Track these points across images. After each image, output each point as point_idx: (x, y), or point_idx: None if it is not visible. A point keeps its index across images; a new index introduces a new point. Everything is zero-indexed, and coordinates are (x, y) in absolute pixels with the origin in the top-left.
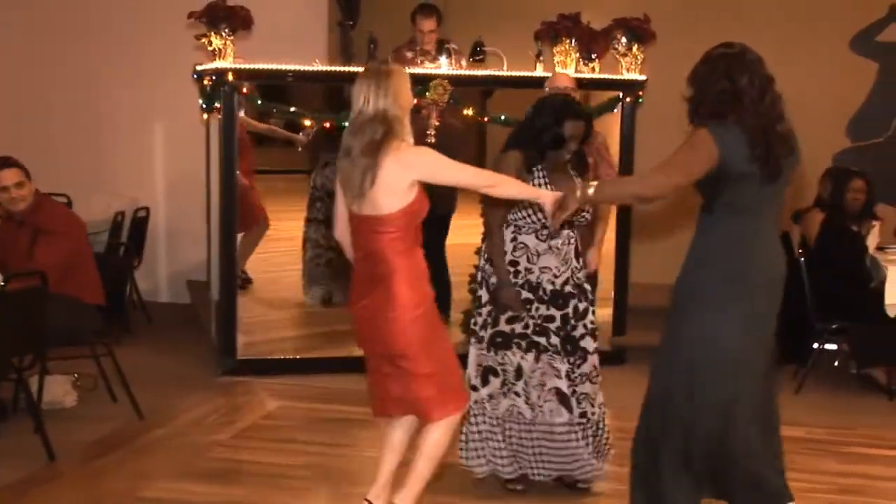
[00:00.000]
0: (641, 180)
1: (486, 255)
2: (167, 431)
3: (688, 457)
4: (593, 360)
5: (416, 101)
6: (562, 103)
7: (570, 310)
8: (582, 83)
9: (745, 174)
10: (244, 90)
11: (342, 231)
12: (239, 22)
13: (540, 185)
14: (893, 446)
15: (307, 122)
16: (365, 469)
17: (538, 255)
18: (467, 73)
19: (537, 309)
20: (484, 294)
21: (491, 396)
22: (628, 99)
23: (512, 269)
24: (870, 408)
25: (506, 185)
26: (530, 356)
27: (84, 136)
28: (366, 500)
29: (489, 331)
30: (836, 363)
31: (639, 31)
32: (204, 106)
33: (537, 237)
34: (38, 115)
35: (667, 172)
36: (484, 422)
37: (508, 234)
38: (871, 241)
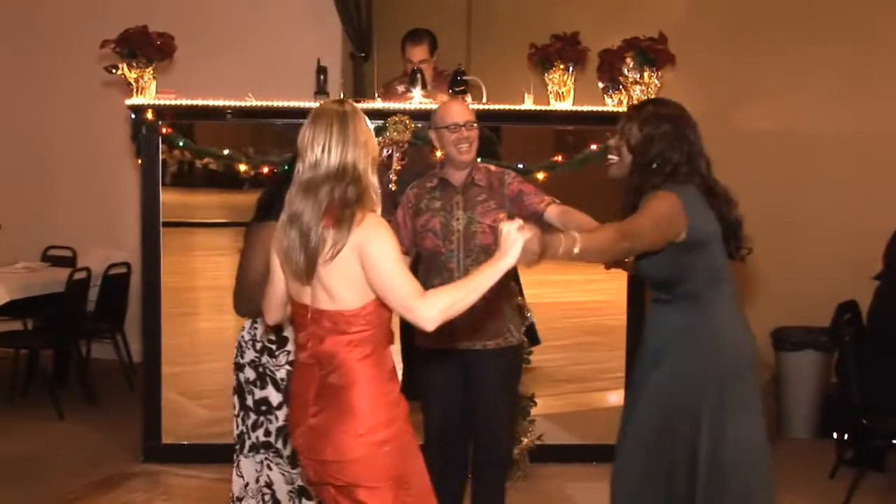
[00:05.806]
0: (620, 231)
1: (263, 340)
2: None
3: None
4: None
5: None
6: None
7: None
8: (581, 116)
9: (712, 237)
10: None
11: (277, 317)
12: (155, 52)
13: None
14: None
15: (242, 167)
16: None
17: None
18: (425, 107)
19: None
20: (274, 396)
21: None
22: None
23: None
24: None
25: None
26: None
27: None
28: None
29: None
30: None
31: (651, 53)
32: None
33: None
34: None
35: (632, 232)
36: None
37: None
38: None
